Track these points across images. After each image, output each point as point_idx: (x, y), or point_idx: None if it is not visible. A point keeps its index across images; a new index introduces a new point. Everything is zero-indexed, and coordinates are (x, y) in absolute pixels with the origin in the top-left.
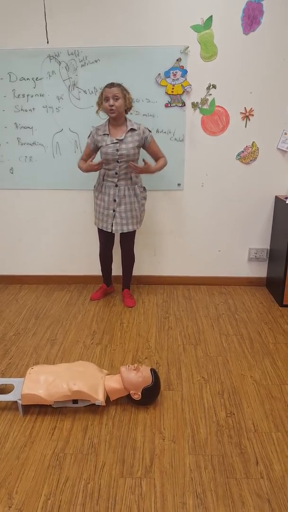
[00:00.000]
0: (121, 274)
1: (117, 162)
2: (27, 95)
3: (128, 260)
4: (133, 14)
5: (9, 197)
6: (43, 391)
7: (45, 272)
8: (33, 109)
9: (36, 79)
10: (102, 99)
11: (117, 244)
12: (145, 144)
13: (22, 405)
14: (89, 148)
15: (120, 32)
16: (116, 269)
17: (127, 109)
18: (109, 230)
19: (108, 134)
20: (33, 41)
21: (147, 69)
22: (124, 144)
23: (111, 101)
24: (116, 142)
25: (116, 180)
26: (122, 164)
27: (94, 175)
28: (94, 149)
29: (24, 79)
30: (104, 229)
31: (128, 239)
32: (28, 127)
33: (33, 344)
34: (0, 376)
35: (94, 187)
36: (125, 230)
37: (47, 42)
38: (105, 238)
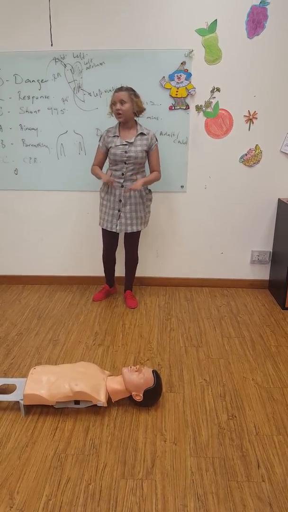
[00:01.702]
0: (124, 275)
1: (125, 163)
2: (32, 97)
3: (132, 261)
4: (138, 17)
5: (13, 198)
6: (45, 392)
7: (48, 272)
8: (38, 110)
9: (41, 81)
10: (111, 103)
11: (120, 245)
12: (149, 151)
13: (24, 405)
14: (101, 152)
15: (125, 35)
16: (119, 270)
17: (137, 112)
18: (114, 230)
19: (118, 136)
20: (39, 44)
21: (152, 72)
22: (133, 146)
23: (118, 105)
24: (125, 144)
25: (122, 181)
26: (129, 166)
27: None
28: (105, 152)
29: (30, 81)
30: (109, 229)
31: (132, 240)
32: (32, 129)
33: (36, 345)
34: (2, 376)
35: (101, 189)
36: (129, 230)
37: (51, 45)
38: (109, 240)
